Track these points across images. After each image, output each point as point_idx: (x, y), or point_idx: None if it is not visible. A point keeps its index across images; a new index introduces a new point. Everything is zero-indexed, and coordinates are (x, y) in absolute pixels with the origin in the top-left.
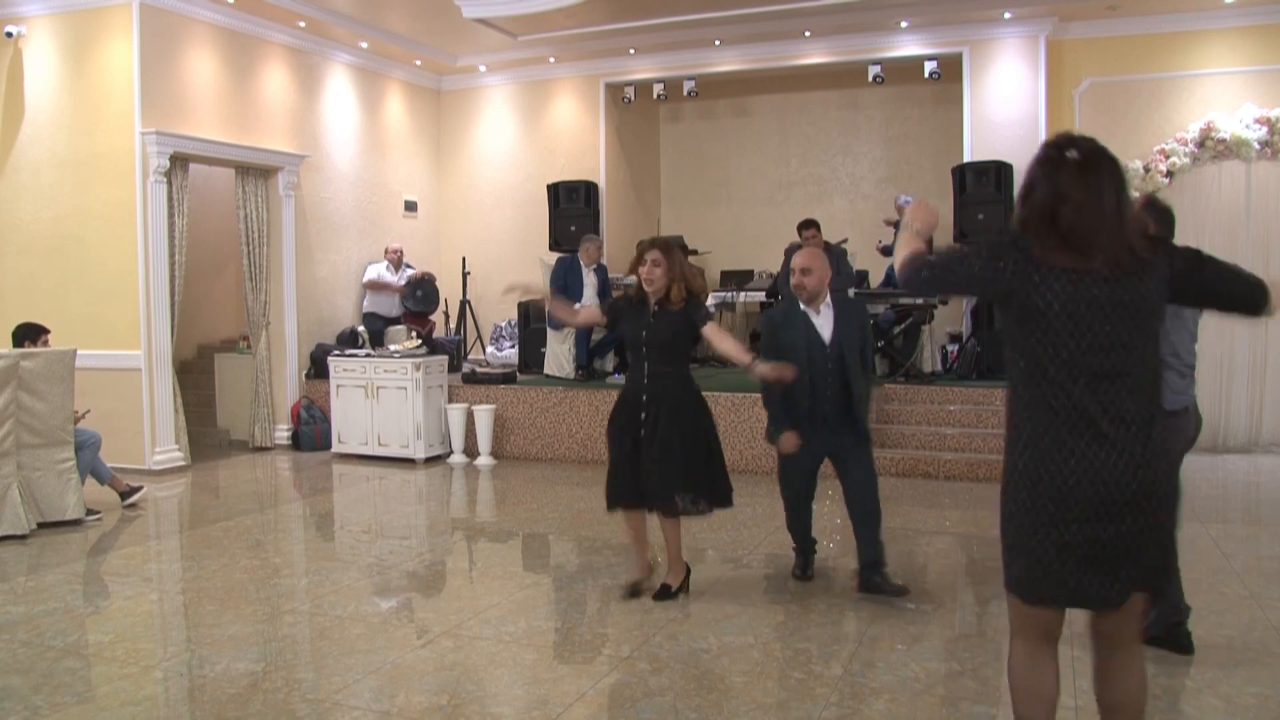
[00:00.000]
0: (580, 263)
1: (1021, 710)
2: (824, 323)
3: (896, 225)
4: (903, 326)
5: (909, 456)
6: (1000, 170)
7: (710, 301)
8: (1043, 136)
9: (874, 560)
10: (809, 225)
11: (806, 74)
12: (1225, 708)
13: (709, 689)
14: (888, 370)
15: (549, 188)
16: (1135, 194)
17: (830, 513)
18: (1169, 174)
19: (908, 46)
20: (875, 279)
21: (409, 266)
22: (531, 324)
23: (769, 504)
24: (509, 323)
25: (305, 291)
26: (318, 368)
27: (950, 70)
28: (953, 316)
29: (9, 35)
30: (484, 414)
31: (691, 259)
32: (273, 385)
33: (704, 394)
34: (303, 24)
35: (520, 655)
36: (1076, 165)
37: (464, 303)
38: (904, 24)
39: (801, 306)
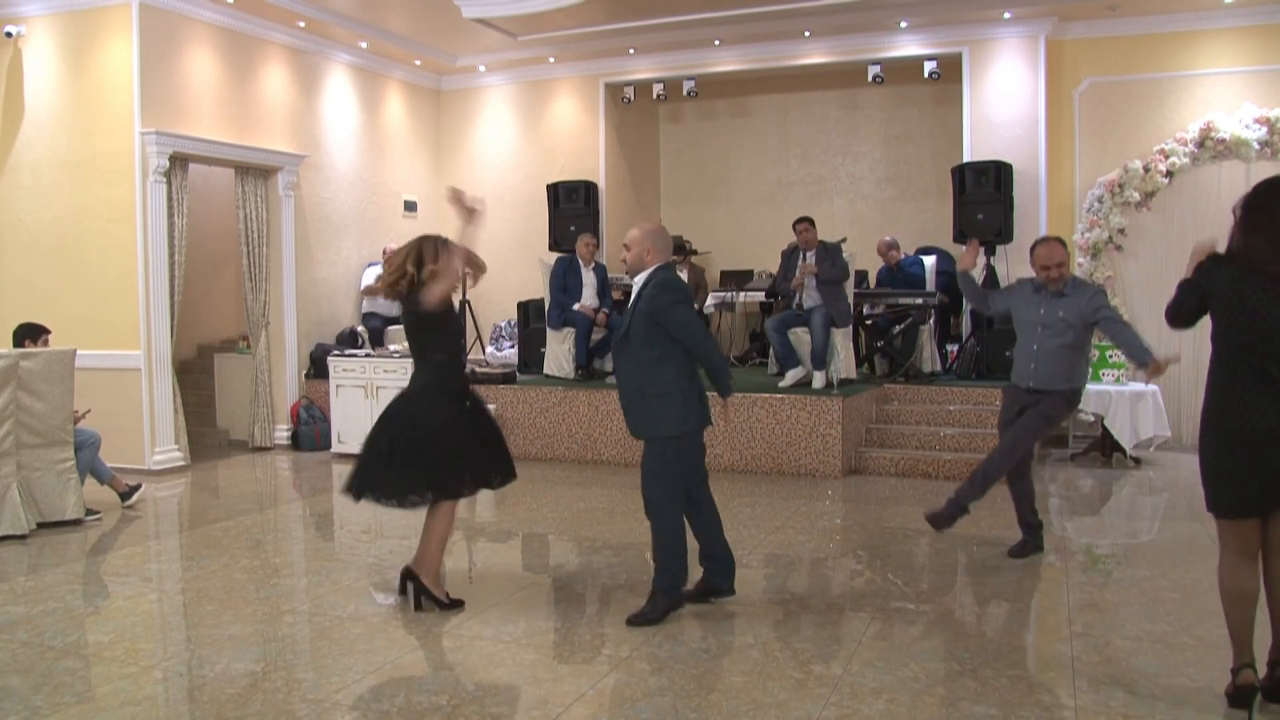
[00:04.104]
0: (579, 262)
1: (1227, 606)
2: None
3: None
4: (902, 327)
5: (909, 456)
6: (1000, 170)
7: (710, 301)
8: (1043, 136)
9: (653, 587)
10: (803, 220)
11: (806, 74)
12: (1225, 708)
13: (709, 689)
14: (887, 370)
15: (549, 188)
16: (1135, 198)
17: (820, 512)
18: (1169, 174)
19: (907, 46)
20: (873, 279)
21: None
22: (531, 324)
23: (769, 504)
24: (509, 323)
25: (305, 291)
26: (317, 368)
27: (950, 70)
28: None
29: (9, 35)
30: None
31: (692, 259)
32: (272, 385)
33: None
34: (302, 24)
35: (520, 655)
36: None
37: (464, 303)
38: (904, 24)
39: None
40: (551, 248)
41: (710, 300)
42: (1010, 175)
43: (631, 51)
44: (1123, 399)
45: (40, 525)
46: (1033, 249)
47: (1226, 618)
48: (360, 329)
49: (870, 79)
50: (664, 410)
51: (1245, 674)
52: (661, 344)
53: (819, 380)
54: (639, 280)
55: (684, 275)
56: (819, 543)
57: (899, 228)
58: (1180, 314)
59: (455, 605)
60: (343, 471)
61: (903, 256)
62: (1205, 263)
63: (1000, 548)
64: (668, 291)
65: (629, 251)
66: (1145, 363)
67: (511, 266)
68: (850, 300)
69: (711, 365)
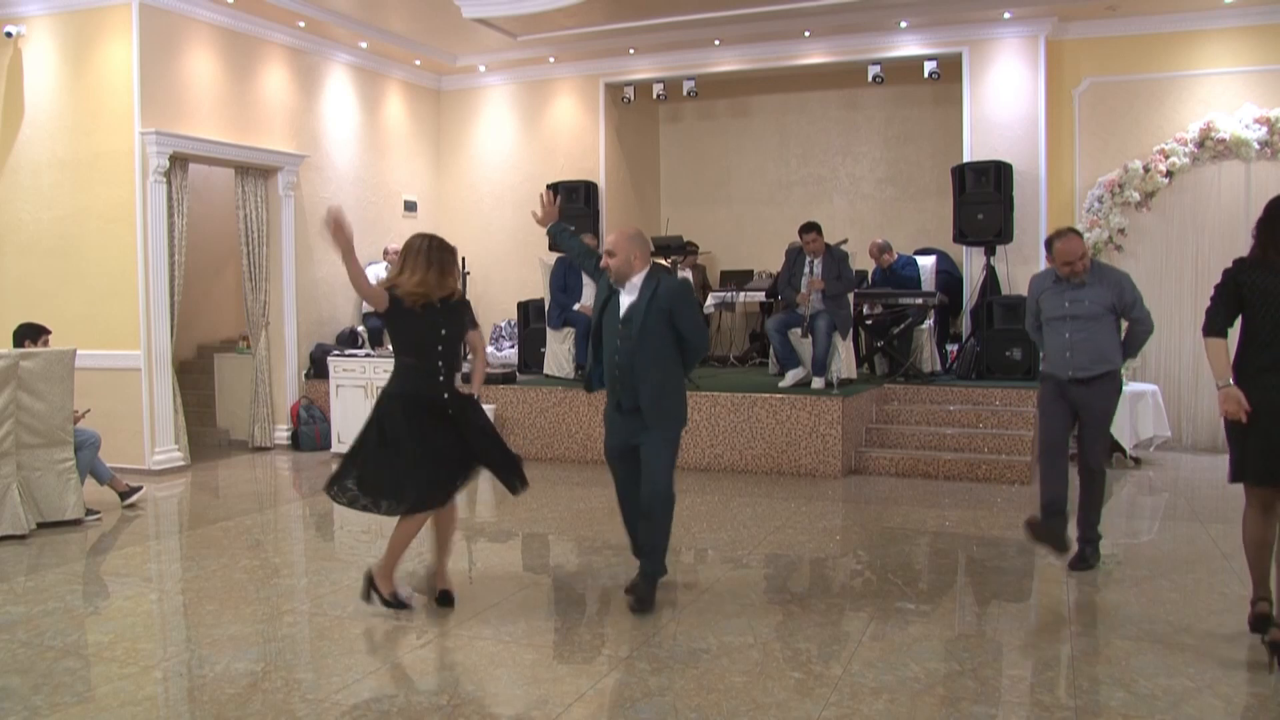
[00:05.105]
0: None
1: (1247, 552)
2: (626, 300)
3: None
4: (901, 327)
5: (909, 456)
6: (1000, 170)
7: (710, 301)
8: (1043, 136)
9: (649, 572)
10: (809, 229)
11: (806, 74)
12: (1225, 708)
13: (709, 689)
14: (888, 370)
15: (549, 188)
16: (1135, 198)
17: (820, 512)
18: (1169, 174)
19: (907, 46)
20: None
21: None
22: (531, 324)
23: (769, 504)
24: (509, 323)
25: (305, 291)
26: (317, 368)
27: (950, 70)
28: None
29: (9, 35)
30: None
31: (695, 259)
32: (272, 385)
33: (704, 393)
34: (302, 24)
35: (520, 655)
36: None
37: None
38: (904, 24)
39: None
40: (551, 248)
41: (710, 300)
42: (1010, 175)
43: (631, 51)
44: (1122, 399)
45: (40, 525)
46: (1049, 244)
47: (1247, 561)
48: (360, 329)
49: (870, 79)
50: (679, 402)
51: (1260, 605)
52: (673, 339)
53: (819, 383)
54: (637, 281)
55: (690, 275)
56: (819, 543)
57: (899, 228)
58: (1215, 318)
59: (400, 606)
60: None
61: (895, 258)
62: (1233, 267)
63: (1000, 547)
64: (689, 294)
65: (614, 257)
66: (1129, 355)
67: (511, 266)
68: (851, 302)
69: (699, 357)
